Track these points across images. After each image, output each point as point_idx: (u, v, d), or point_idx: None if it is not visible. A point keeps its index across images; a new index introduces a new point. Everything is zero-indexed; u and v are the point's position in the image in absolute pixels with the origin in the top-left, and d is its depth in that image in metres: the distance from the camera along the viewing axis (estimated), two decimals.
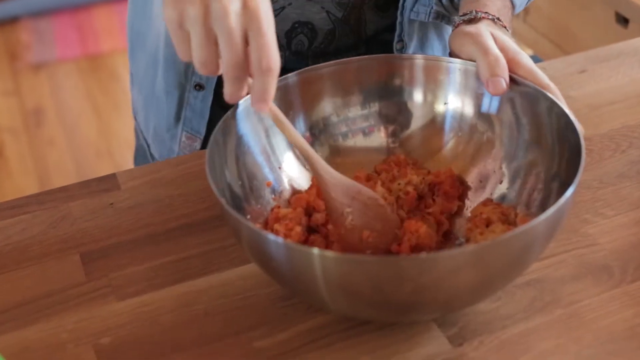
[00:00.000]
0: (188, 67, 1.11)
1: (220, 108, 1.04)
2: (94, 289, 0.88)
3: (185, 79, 1.13)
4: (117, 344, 0.82)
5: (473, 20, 0.93)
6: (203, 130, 1.15)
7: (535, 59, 2.38)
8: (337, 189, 0.83)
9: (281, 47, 1.11)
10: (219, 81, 1.06)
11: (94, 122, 3.02)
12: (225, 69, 0.72)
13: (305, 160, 0.84)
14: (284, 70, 1.11)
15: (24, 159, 2.92)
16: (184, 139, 1.16)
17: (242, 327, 0.82)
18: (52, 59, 3.33)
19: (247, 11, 0.70)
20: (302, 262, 0.72)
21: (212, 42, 0.71)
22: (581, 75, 1.16)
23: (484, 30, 0.90)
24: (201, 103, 1.13)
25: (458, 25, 0.94)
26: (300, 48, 1.13)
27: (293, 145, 0.86)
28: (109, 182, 1.02)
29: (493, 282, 0.75)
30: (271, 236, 0.72)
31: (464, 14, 0.94)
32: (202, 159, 0.93)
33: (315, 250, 0.70)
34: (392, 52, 1.12)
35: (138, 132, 1.32)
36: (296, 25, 1.10)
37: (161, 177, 1.02)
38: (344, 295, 0.74)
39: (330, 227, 0.85)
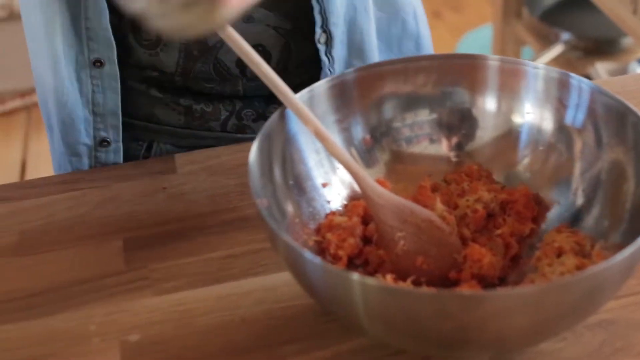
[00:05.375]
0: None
1: None
2: (131, 279, 0.83)
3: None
4: (144, 343, 0.77)
5: None
6: None
7: None
8: (386, 210, 0.76)
9: (236, 77, 0.99)
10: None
11: None
12: None
13: (351, 177, 0.76)
14: (245, 98, 1.00)
15: None
16: None
17: (277, 340, 0.76)
18: None
19: None
20: (340, 286, 0.65)
21: None
22: None
23: None
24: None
25: None
26: None
27: (338, 161, 0.78)
28: (165, 164, 0.96)
29: (551, 326, 0.66)
30: (308, 254, 0.65)
31: None
32: None
33: (355, 276, 0.63)
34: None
35: None
36: None
37: (221, 164, 0.96)
38: (383, 324, 0.66)
39: (381, 251, 0.77)
